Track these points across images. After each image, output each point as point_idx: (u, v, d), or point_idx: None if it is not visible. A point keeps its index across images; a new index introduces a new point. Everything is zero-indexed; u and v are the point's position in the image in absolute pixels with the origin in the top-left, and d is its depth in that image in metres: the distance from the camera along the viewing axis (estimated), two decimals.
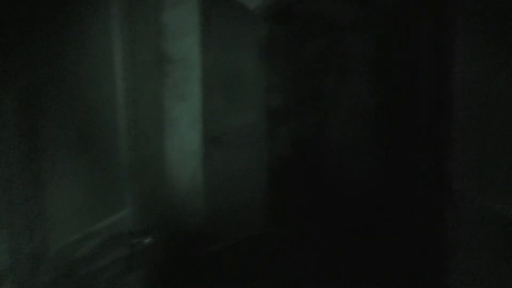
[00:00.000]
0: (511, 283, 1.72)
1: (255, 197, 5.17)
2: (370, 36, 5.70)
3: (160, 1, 4.48)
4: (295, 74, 7.47)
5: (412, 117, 4.94)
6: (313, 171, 7.52)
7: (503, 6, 1.76)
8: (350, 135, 6.39)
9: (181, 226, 4.71)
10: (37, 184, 1.48)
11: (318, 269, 4.47)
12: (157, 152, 4.25)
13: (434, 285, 3.22)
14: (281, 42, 7.34)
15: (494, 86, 1.84)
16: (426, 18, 4.66)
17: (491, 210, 1.84)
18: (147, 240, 1.91)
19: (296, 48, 7.42)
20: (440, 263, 2.29)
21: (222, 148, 4.84)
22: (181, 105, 4.65)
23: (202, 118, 4.67)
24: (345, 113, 6.50)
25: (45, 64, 1.54)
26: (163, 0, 4.50)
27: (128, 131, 1.93)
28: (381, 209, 5.56)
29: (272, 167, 5.67)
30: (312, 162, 7.55)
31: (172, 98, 4.61)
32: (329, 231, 5.47)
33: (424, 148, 4.84)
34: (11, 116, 1.37)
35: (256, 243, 5.05)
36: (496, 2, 1.81)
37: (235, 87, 4.91)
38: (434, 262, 4.21)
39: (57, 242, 1.46)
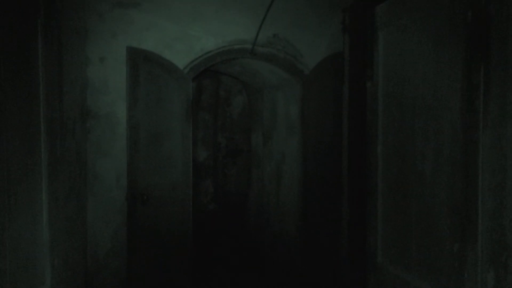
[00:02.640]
0: None
1: (178, 254, 5.06)
2: (294, 94, 5.92)
3: (87, 57, 4.44)
4: (222, 130, 7.57)
5: (337, 181, 5.11)
6: (238, 226, 7.54)
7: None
8: (276, 193, 6.49)
9: (101, 285, 4.51)
10: None
11: None
12: (80, 210, 4.10)
13: None
14: (207, 99, 7.45)
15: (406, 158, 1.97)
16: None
17: (409, 284, 1.93)
18: None
19: (222, 105, 7.56)
20: None
21: (146, 205, 4.75)
22: (106, 161, 4.55)
23: (127, 174, 4.58)
24: (270, 169, 6.62)
25: None
26: (90, 55, 4.46)
27: (51, 196, 1.87)
28: (303, 272, 5.64)
29: (196, 221, 5.61)
30: (236, 217, 7.57)
31: (96, 153, 4.51)
32: None
33: (348, 220, 5.02)
34: None
35: None
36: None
37: (161, 143, 4.88)
38: None
39: None
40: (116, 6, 4.56)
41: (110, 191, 4.55)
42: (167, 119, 4.95)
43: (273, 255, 6.48)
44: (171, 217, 5.01)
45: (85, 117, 4.44)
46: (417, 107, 1.92)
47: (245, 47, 5.23)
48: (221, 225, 7.52)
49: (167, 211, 4.97)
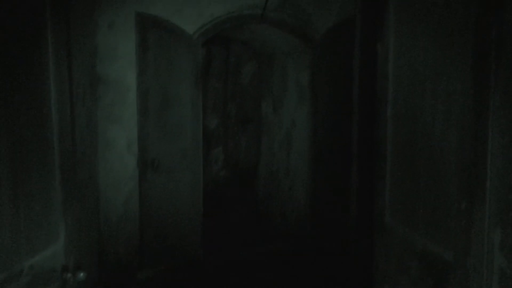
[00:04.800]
0: None
1: (188, 221, 5.14)
2: (304, 61, 5.87)
3: (96, 23, 4.42)
4: (232, 98, 7.55)
5: (347, 148, 5.11)
6: (248, 194, 7.60)
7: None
8: (286, 160, 6.51)
9: (114, 251, 4.60)
10: None
11: None
12: (91, 176, 4.14)
13: None
14: (217, 66, 7.41)
15: (418, 119, 1.97)
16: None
17: (416, 244, 1.95)
18: (81, 275, 1.87)
19: (232, 73, 7.53)
20: None
21: (158, 171, 4.79)
22: (116, 128, 4.58)
23: (137, 141, 4.62)
24: (280, 137, 6.63)
25: None
26: (99, 21, 4.44)
27: (63, 157, 1.89)
28: (313, 238, 5.70)
29: (206, 189, 5.66)
30: (246, 184, 7.62)
31: (106, 120, 4.54)
32: (262, 257, 5.51)
33: (357, 185, 5.03)
34: None
35: (191, 269, 5.01)
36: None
37: (171, 110, 4.90)
38: None
39: None
40: None
41: (121, 157, 4.60)
42: (176, 86, 4.95)
43: (283, 222, 6.55)
44: (181, 184, 5.06)
45: (95, 84, 4.44)
46: (428, 68, 1.90)
47: (255, 12, 5.17)
48: (232, 193, 7.59)
49: (178, 178, 5.02)
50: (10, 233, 1.57)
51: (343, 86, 5.11)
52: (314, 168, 5.69)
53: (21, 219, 1.64)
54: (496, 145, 1.50)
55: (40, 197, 1.76)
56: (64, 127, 1.95)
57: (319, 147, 5.61)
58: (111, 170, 4.54)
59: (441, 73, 1.81)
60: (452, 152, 1.73)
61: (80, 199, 3.24)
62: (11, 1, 1.63)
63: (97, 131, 4.49)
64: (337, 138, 5.26)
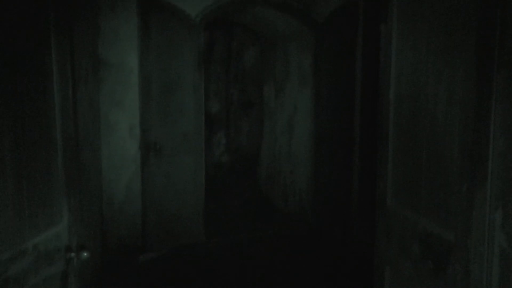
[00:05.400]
0: None
1: (191, 204, 5.16)
2: (307, 45, 5.84)
3: (98, 5, 4.39)
4: (234, 82, 7.54)
5: (349, 132, 5.12)
6: (250, 178, 7.62)
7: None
8: (288, 144, 6.51)
9: (117, 233, 4.63)
10: None
11: (253, 278, 4.52)
12: (95, 159, 4.17)
13: None
14: (220, 50, 7.38)
15: (421, 103, 1.97)
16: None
17: (418, 225, 1.96)
18: (84, 255, 1.88)
19: (234, 57, 7.50)
20: (369, 278, 2.40)
21: (160, 154, 4.80)
22: (118, 111, 4.58)
23: (139, 125, 4.62)
24: (282, 121, 6.62)
25: None
26: (101, 3, 4.42)
27: (65, 138, 1.90)
28: (314, 221, 5.72)
29: (208, 173, 5.68)
30: (249, 169, 7.64)
31: (108, 103, 4.54)
32: (264, 240, 5.54)
33: (359, 168, 5.04)
34: None
35: (193, 252, 5.04)
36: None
37: (173, 94, 4.89)
38: (364, 278, 4.38)
39: None
40: None
41: (124, 140, 4.61)
42: (178, 70, 4.94)
43: (284, 206, 6.58)
44: (184, 168, 5.08)
45: (97, 67, 4.44)
46: (431, 48, 1.89)
47: None
48: (234, 177, 7.61)
49: (180, 162, 5.03)
50: (13, 213, 1.58)
51: (346, 70, 5.09)
52: (316, 152, 5.70)
53: (24, 199, 1.65)
54: (499, 126, 1.50)
55: (43, 178, 1.77)
56: (66, 109, 1.94)
57: (321, 131, 5.61)
58: (114, 153, 4.55)
59: (445, 54, 1.80)
60: (455, 133, 1.73)
61: (83, 181, 3.25)
62: None
63: (99, 114, 4.49)
64: (339, 122, 5.26)
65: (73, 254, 1.88)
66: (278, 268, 4.69)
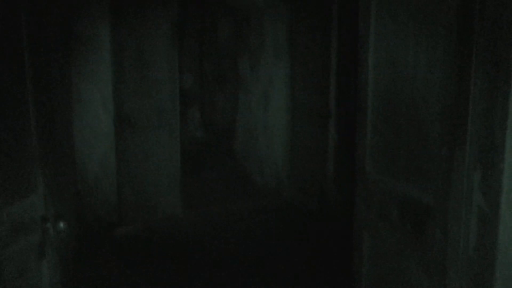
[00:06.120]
0: (409, 259, 1.88)
1: (167, 178, 5.13)
2: (282, 17, 5.79)
3: None
4: (208, 56, 7.45)
5: (325, 104, 5.13)
6: (226, 152, 7.60)
7: None
8: (263, 118, 6.50)
9: (92, 208, 4.58)
10: None
11: (228, 252, 4.54)
12: (67, 132, 4.08)
13: (343, 266, 3.42)
14: (193, 24, 7.26)
15: (399, 70, 1.97)
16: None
17: (397, 191, 1.98)
18: (61, 225, 1.84)
19: (208, 31, 7.39)
20: (351, 244, 2.43)
21: (134, 129, 4.74)
22: (91, 85, 4.48)
23: (113, 98, 4.54)
24: (257, 95, 6.60)
25: None
26: None
27: (38, 110, 1.84)
28: (291, 194, 5.76)
29: (183, 148, 5.63)
30: (224, 143, 7.62)
31: (81, 77, 4.43)
32: (240, 214, 5.56)
33: (336, 136, 5.07)
34: None
35: (170, 225, 5.03)
36: None
37: (147, 68, 4.80)
38: (345, 243, 4.45)
39: None
40: None
41: (97, 115, 4.52)
42: (152, 43, 4.84)
43: (261, 180, 6.60)
44: (159, 142, 5.02)
45: (67, 39, 4.31)
46: (412, 14, 1.88)
47: None
48: (209, 152, 7.58)
49: (155, 136, 4.97)
50: None
51: (322, 42, 5.08)
52: (292, 125, 5.71)
53: None
54: (479, 88, 1.51)
55: (16, 147, 1.71)
56: (38, 79, 1.88)
57: (296, 104, 5.60)
58: (87, 127, 4.47)
59: (425, 19, 1.79)
60: (434, 98, 1.73)
61: (57, 152, 3.18)
62: None
63: (71, 87, 4.38)
64: (315, 95, 5.26)
65: (49, 225, 1.84)
66: (255, 240, 4.73)
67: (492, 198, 1.45)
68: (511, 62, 1.38)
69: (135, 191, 4.83)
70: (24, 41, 1.78)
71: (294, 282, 3.90)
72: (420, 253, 1.82)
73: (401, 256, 1.97)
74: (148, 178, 4.93)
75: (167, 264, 4.16)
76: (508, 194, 1.42)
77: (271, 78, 6.15)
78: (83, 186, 4.51)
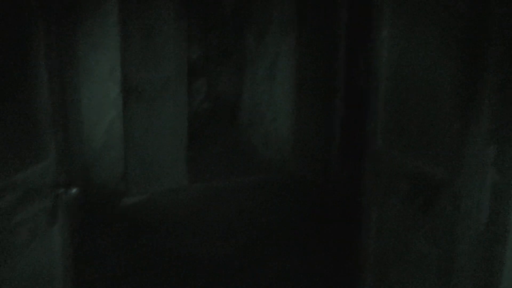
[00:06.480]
0: (418, 233, 1.89)
1: (173, 149, 5.14)
2: None
3: None
4: (214, 29, 7.37)
5: (332, 79, 5.09)
6: (231, 126, 7.59)
7: None
8: (269, 91, 6.47)
9: (98, 177, 4.60)
10: None
11: (234, 222, 4.58)
12: (75, 100, 4.08)
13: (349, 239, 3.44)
14: None
15: (411, 48, 1.94)
16: None
17: (407, 165, 1.97)
18: (73, 191, 1.85)
19: (214, 2, 7.29)
20: (357, 219, 2.44)
21: (141, 99, 4.73)
22: (97, 54, 4.44)
23: (120, 68, 4.51)
24: (264, 68, 6.55)
25: None
26: None
27: (50, 74, 1.83)
28: (296, 168, 5.77)
29: (188, 121, 5.60)
30: (229, 116, 7.60)
31: (87, 45, 4.39)
32: (245, 186, 5.58)
33: (343, 111, 5.05)
34: None
35: (175, 197, 5.05)
36: None
37: (154, 37, 4.76)
38: (352, 218, 4.47)
39: None
40: None
41: (104, 84, 4.49)
42: (159, 13, 4.79)
43: (266, 154, 6.60)
44: (165, 113, 5.01)
45: (73, 7, 4.26)
46: None
47: None
48: (214, 125, 7.57)
49: (162, 107, 4.96)
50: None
51: (330, 16, 5.01)
52: (298, 99, 5.68)
53: (10, 133, 1.60)
54: (495, 59, 1.49)
55: (29, 112, 1.71)
56: (49, 43, 1.86)
57: (303, 78, 5.57)
58: (94, 96, 4.45)
59: None
60: (449, 70, 1.71)
61: (66, 120, 3.18)
62: None
63: (77, 56, 4.35)
64: (322, 69, 5.22)
65: (61, 190, 1.85)
66: (259, 213, 4.76)
67: (508, 174, 1.45)
68: None
69: (141, 162, 4.84)
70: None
71: (297, 254, 3.94)
72: (430, 227, 1.83)
73: (410, 230, 1.98)
74: (154, 149, 4.93)
75: (171, 236, 4.20)
76: None
77: (278, 51, 6.10)
78: (90, 154, 4.52)
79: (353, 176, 4.53)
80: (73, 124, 3.95)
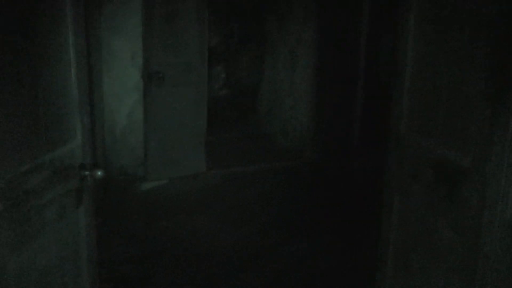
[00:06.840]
0: (442, 221, 1.88)
1: (192, 135, 5.16)
2: None
3: None
4: (234, 16, 7.34)
5: (354, 66, 5.05)
6: (250, 112, 7.59)
7: None
8: (289, 79, 6.44)
9: (118, 161, 4.64)
10: None
11: (253, 209, 4.60)
12: (97, 84, 4.11)
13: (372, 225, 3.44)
14: None
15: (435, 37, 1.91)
16: None
17: (432, 152, 1.95)
18: (98, 173, 1.88)
19: None
20: (377, 206, 2.43)
21: (162, 84, 4.74)
22: (119, 38, 4.47)
23: (142, 53, 4.53)
24: (284, 55, 6.52)
25: None
26: None
27: (78, 56, 1.85)
28: (314, 155, 5.75)
29: (208, 107, 5.62)
30: (248, 103, 7.60)
31: (110, 30, 4.42)
32: (263, 173, 5.59)
33: (363, 99, 5.01)
34: None
35: (194, 181, 5.09)
36: None
37: (176, 23, 4.76)
38: (372, 206, 4.46)
39: (7, 173, 1.41)
40: None
41: (125, 68, 4.53)
42: None
43: (284, 141, 6.59)
44: (186, 99, 5.02)
45: None
46: None
47: None
48: (233, 111, 7.58)
49: (182, 92, 4.97)
50: (30, 124, 1.56)
51: (353, 3, 4.96)
52: (319, 87, 5.65)
53: (40, 112, 1.62)
54: None
55: (58, 92, 1.73)
56: (78, 26, 1.88)
57: (324, 65, 5.53)
58: (116, 80, 4.49)
59: None
60: (480, 56, 1.69)
61: (91, 103, 3.21)
62: None
63: (100, 40, 4.38)
64: (343, 57, 5.18)
65: (87, 172, 1.87)
66: (278, 199, 4.77)
67: None
68: None
69: (161, 147, 4.87)
70: None
71: (314, 238, 3.95)
72: (454, 216, 1.81)
73: (433, 218, 1.97)
74: (174, 134, 4.96)
75: (190, 220, 4.24)
76: None
77: (299, 38, 6.06)
78: (110, 139, 4.57)
79: (372, 163, 4.51)
80: (95, 108, 3.99)
